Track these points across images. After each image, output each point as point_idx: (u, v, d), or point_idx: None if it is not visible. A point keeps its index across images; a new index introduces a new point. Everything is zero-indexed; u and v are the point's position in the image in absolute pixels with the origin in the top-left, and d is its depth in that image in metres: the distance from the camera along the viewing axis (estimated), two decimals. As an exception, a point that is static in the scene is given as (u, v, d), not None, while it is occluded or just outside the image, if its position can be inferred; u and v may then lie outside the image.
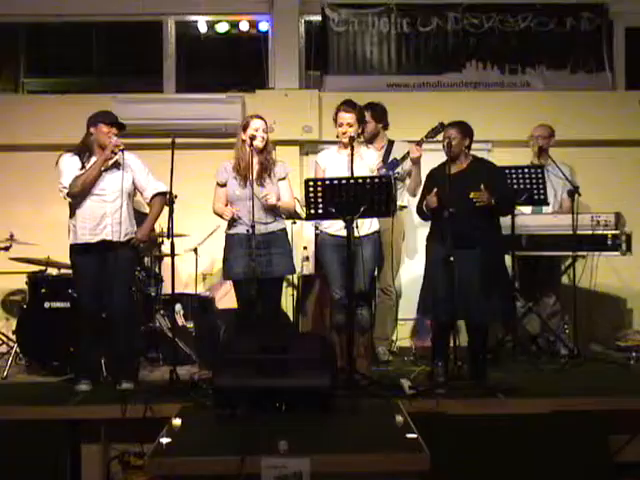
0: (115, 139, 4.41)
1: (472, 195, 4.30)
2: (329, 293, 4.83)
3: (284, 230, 4.65)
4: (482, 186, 4.31)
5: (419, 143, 5.00)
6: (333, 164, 4.72)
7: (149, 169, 4.63)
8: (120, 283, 4.45)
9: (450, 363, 4.43)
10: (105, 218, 4.43)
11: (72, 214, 4.48)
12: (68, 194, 4.41)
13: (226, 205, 4.62)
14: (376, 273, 5.47)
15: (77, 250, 4.46)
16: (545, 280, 5.56)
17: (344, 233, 4.43)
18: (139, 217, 5.68)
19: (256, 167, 4.51)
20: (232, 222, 4.56)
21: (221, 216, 4.63)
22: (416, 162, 5.01)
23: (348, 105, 4.67)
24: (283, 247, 4.60)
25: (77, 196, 4.40)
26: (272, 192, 4.50)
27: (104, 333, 4.46)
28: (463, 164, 4.51)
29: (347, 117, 4.64)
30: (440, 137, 4.68)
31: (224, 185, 4.63)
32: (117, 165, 4.46)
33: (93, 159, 4.46)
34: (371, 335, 5.22)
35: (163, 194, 4.55)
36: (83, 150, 4.49)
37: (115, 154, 4.40)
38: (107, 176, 4.45)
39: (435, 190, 4.38)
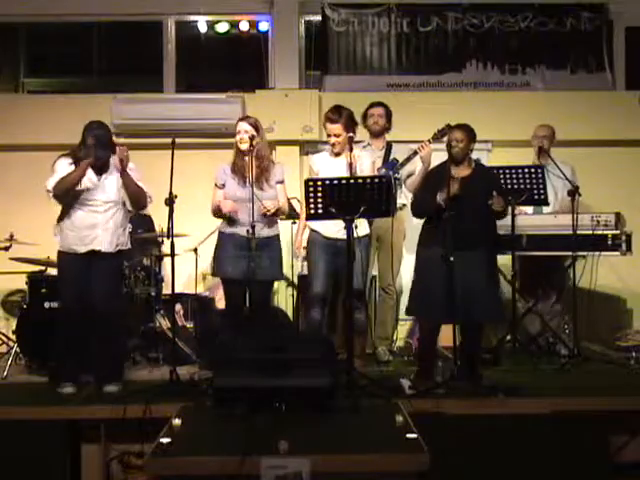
0: (121, 151, 4.28)
1: (493, 201, 4.33)
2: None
3: (277, 236, 4.68)
4: (495, 193, 4.35)
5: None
6: (326, 168, 4.73)
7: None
8: (105, 288, 4.39)
9: (449, 363, 4.42)
10: (96, 228, 4.34)
11: (61, 218, 4.39)
12: (54, 196, 4.30)
13: None
14: (376, 273, 5.49)
15: (64, 256, 4.39)
16: (547, 280, 5.56)
17: (336, 236, 4.49)
18: (141, 219, 5.70)
19: (254, 170, 4.49)
20: (231, 221, 4.55)
21: (220, 214, 4.61)
22: (426, 160, 4.99)
23: (334, 114, 4.66)
24: (275, 253, 4.63)
25: (62, 198, 4.30)
26: (270, 203, 4.49)
27: (86, 336, 4.41)
28: (467, 169, 4.50)
29: (332, 128, 4.66)
30: (446, 138, 4.66)
31: (222, 187, 4.63)
32: (110, 171, 4.37)
33: (90, 172, 4.32)
34: (370, 336, 5.23)
35: None
36: (80, 159, 4.32)
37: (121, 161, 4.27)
38: (99, 186, 4.35)
39: (459, 180, 4.31)
